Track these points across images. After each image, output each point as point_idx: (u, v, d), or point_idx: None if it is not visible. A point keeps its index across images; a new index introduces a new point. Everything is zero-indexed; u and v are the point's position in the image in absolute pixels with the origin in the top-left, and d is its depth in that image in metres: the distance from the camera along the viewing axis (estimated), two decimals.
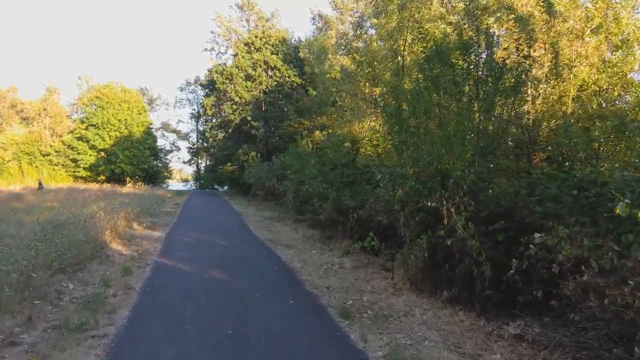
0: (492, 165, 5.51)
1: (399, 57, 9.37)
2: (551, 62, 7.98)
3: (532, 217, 4.88)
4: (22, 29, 69.52)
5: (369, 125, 12.08)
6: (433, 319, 4.46)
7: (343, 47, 11.10)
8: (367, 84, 10.50)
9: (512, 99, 5.24)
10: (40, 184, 21.59)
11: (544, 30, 7.32)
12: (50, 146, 38.49)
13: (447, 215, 4.86)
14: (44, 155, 38.34)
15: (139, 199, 17.51)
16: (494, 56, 5.36)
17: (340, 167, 8.79)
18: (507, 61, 5.23)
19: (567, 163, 6.08)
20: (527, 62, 5.11)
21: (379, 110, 9.66)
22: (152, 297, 4.87)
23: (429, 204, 4.95)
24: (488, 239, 4.86)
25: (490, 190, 4.86)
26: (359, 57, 10.15)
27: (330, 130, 13.03)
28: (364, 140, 11.04)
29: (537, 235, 3.84)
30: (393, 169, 5.53)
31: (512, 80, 5.12)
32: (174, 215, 13.74)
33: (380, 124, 11.70)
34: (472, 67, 5.23)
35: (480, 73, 5.25)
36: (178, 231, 10.20)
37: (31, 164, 38.15)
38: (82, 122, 38.07)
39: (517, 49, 5.28)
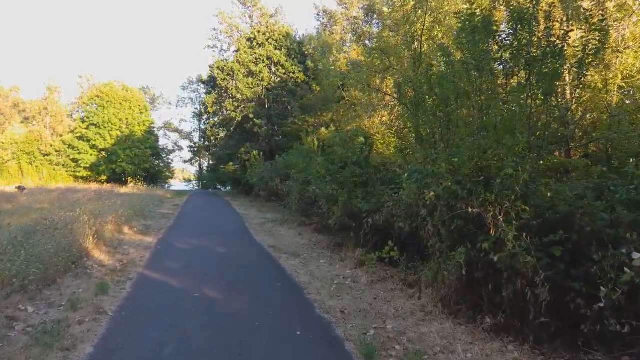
0: (541, 162, 4.52)
1: (415, 44, 8.38)
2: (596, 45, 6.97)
3: (594, 226, 3.91)
4: (24, 29, 69.27)
5: (381, 120, 11.10)
6: (480, 357, 3.48)
7: (354, 32, 10.16)
8: (378, 76, 9.53)
9: (576, 81, 4.25)
10: (21, 187, 20.79)
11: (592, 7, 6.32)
12: (51, 146, 37.91)
13: (493, 224, 3.88)
14: (44, 155, 37.78)
15: (137, 199, 16.72)
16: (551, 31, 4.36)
17: (351, 166, 7.81)
18: (570, 35, 4.24)
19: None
20: (599, 36, 4.09)
21: (393, 102, 8.67)
22: (126, 325, 3.94)
23: (470, 209, 3.97)
24: (544, 254, 3.90)
25: (548, 193, 3.87)
26: (375, 42, 9.18)
27: (339, 127, 12.08)
28: (376, 136, 10.07)
29: (636, 255, 2.86)
30: (422, 167, 4.55)
31: (577, 59, 4.12)
32: (170, 218, 12.85)
33: (392, 119, 10.75)
34: (524, 43, 4.24)
35: (534, 51, 4.25)
36: (172, 236, 9.29)
37: (31, 164, 37.61)
38: (83, 122, 37.44)
39: (587, 20, 4.27)
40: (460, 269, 4.26)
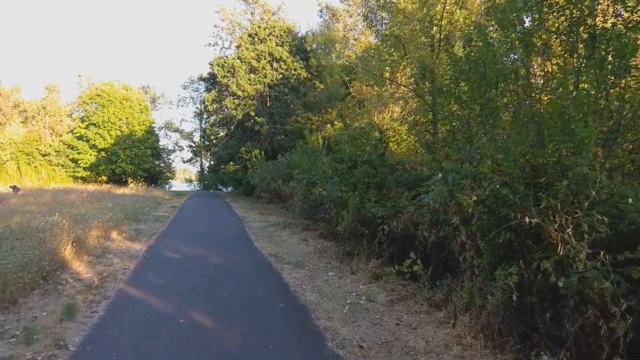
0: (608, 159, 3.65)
1: (434, 29, 7.50)
2: None
3: None
4: (24, 28, 68.87)
5: (391, 116, 10.23)
6: None
7: (365, 16, 9.31)
8: (392, 65, 8.67)
9: None
10: (15, 188, 20.14)
11: None
12: (50, 146, 37.30)
13: (560, 238, 3.02)
14: (43, 156, 37.17)
15: (133, 201, 15.95)
16: None
17: (362, 165, 6.95)
18: None
19: None
20: None
21: (409, 94, 7.81)
22: None
23: (527, 219, 3.10)
24: (620, 276, 3.04)
25: (630, 199, 3.00)
26: (383, 30, 8.33)
27: (347, 122, 11.24)
28: (387, 133, 9.21)
29: None
30: (458, 166, 3.69)
31: None
32: (165, 222, 12.02)
33: (405, 114, 9.88)
34: (586, 12, 3.38)
35: (600, 21, 3.40)
36: (164, 243, 8.45)
37: (30, 164, 37.03)
38: (82, 121, 36.79)
39: None
40: (509, 293, 3.40)
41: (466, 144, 3.98)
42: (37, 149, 37.25)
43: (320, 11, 32.25)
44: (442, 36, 7.21)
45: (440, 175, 3.64)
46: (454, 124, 4.24)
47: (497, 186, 3.23)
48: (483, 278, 3.89)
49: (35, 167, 36.93)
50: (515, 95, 3.81)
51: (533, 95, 3.69)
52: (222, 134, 26.64)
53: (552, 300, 3.41)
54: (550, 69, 3.67)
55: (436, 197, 4.39)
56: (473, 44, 4.03)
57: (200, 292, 4.95)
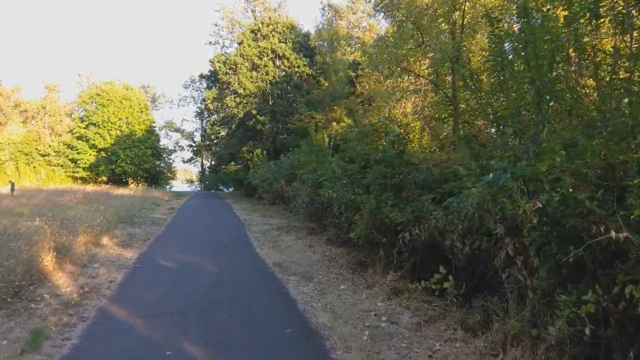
0: None
1: (456, 14, 6.79)
2: None
3: None
4: (24, 28, 68.51)
5: (403, 111, 9.52)
6: None
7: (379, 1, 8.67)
8: (409, 54, 7.96)
9: None
10: (12, 185, 19.65)
11: None
12: (49, 146, 36.76)
13: None
14: (42, 156, 36.64)
15: (130, 202, 15.32)
16: None
17: (377, 165, 6.24)
18: None
19: None
20: None
21: (427, 87, 7.11)
22: None
23: (613, 233, 2.39)
24: None
25: None
26: (399, 15, 7.62)
27: (356, 117, 10.54)
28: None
29: None
30: (510, 165, 2.97)
31: None
32: (161, 225, 11.34)
33: (422, 108, 9.17)
34: None
35: None
36: (158, 250, 7.76)
37: (29, 164, 36.49)
38: (82, 121, 36.22)
39: None
40: (580, 325, 2.69)
41: (515, 138, 3.27)
42: (36, 149, 36.74)
43: (322, 9, 31.60)
44: (464, 22, 6.50)
45: (490, 176, 2.92)
46: (499, 113, 3.53)
47: (570, 190, 2.51)
48: (536, 302, 3.18)
49: (34, 167, 36.41)
50: (580, 77, 3.10)
51: (606, 75, 2.98)
52: (223, 133, 26.02)
53: (635, 334, 2.70)
54: (624, 44, 2.96)
55: (474, 201, 3.67)
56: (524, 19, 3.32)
57: (194, 313, 4.25)
